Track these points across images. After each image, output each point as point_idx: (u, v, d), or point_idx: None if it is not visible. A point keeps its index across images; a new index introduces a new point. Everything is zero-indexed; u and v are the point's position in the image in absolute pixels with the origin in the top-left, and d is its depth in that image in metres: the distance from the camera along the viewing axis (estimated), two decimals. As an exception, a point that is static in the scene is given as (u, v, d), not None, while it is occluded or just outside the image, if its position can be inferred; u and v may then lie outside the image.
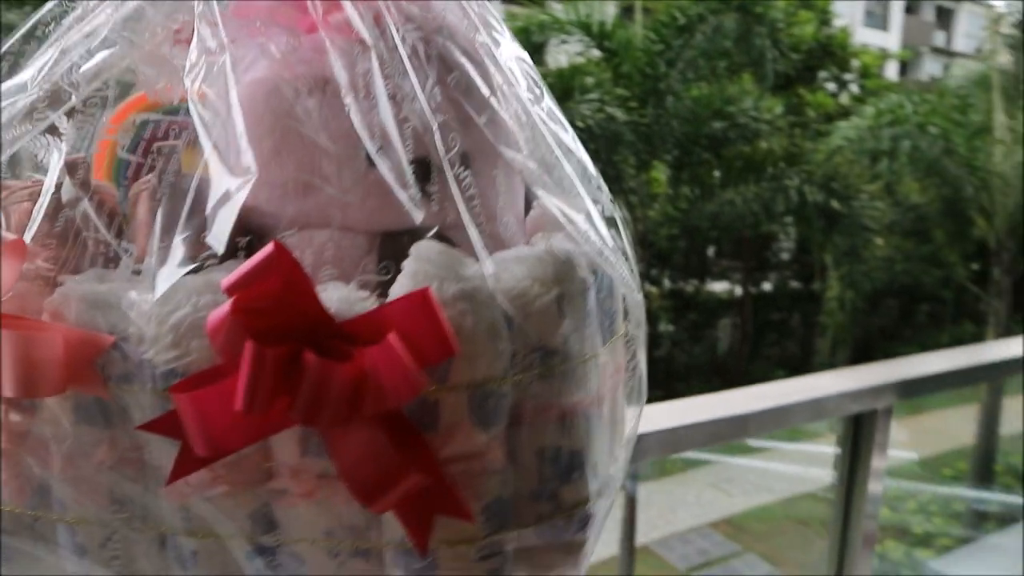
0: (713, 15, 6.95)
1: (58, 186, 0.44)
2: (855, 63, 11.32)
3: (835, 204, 7.17)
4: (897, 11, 17.39)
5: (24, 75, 0.47)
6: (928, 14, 18.60)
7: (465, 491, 0.39)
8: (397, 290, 0.39)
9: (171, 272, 0.40)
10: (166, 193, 0.42)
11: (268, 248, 0.36)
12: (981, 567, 2.78)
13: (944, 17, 18.79)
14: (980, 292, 8.65)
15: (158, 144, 0.45)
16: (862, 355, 8.77)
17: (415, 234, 0.46)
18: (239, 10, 0.47)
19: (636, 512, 1.26)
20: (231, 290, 0.35)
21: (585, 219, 0.49)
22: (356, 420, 0.35)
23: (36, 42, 0.49)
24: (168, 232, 0.41)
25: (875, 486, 1.04)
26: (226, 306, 0.34)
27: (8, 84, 0.46)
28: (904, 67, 17.34)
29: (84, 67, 0.47)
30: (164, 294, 0.39)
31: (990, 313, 7.99)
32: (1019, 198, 7.23)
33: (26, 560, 0.44)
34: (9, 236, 0.41)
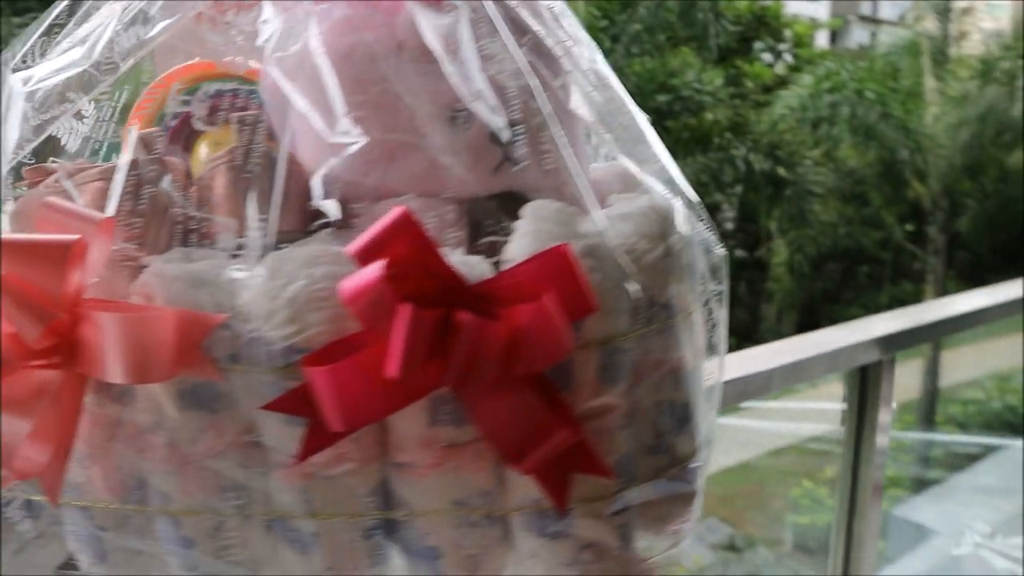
0: (657, -11, 7.01)
1: (134, 163, 0.41)
2: (788, 33, 11.55)
3: (781, 171, 7.35)
4: (825, -19, 17.78)
5: (79, 48, 0.44)
6: (854, -17, 19.08)
7: (596, 448, 0.38)
8: (517, 250, 0.39)
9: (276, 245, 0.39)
10: (258, 165, 0.41)
11: (396, 212, 0.35)
12: (942, 508, 2.92)
13: (869, -14, 19.30)
14: (917, 251, 9.00)
15: (239, 115, 0.42)
16: (808, 320, 9.03)
17: (504, 199, 0.45)
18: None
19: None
20: (361, 256, 0.34)
21: (661, 178, 0.49)
22: (502, 381, 0.34)
23: (81, 10, 0.47)
24: (265, 205, 0.40)
25: (882, 436, 1.07)
26: (374, 272, 0.33)
27: (67, 56, 0.44)
28: (834, 36, 17.80)
29: (144, 36, 0.44)
30: (273, 268, 0.38)
31: (927, 271, 8.34)
32: (951, 159, 7.53)
33: (124, 556, 0.42)
34: (99, 215, 0.38)
